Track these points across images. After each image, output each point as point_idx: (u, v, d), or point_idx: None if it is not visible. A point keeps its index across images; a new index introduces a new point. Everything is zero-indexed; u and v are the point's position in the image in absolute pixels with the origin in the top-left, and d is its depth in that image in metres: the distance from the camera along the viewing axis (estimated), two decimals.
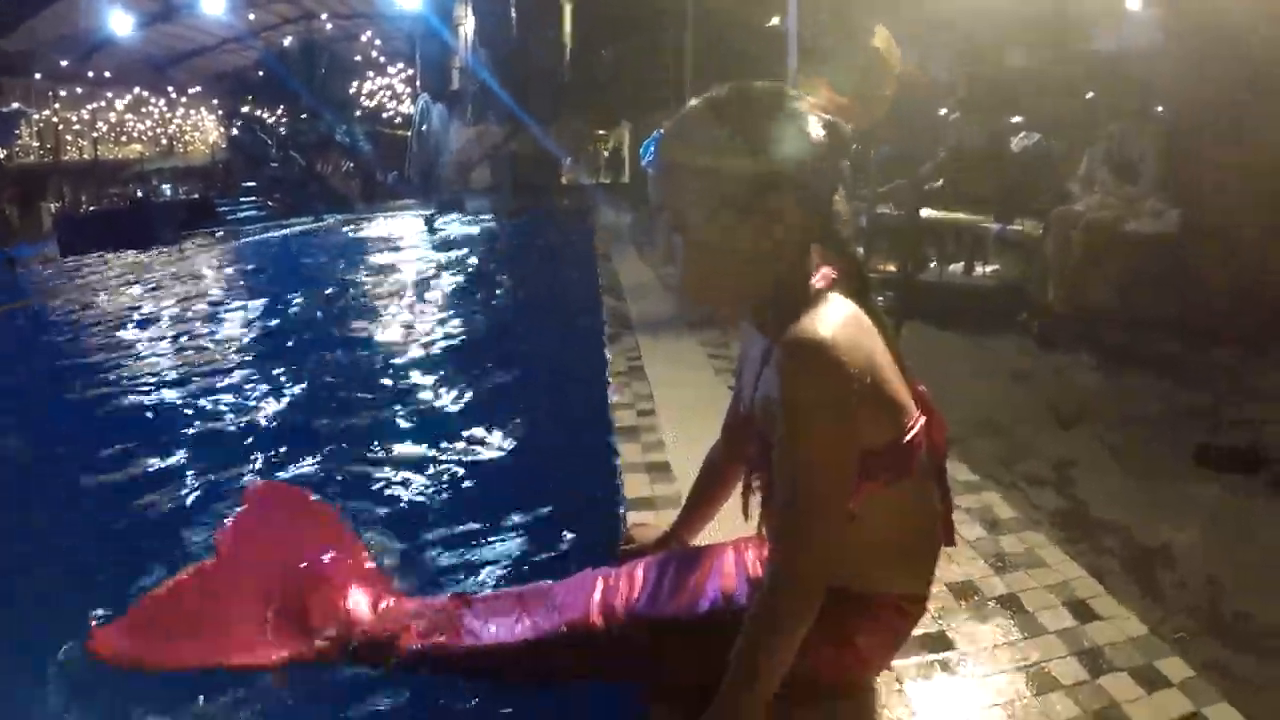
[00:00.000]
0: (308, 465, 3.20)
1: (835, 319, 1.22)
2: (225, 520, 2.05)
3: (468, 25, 21.73)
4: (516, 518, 2.67)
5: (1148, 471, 2.72)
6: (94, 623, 1.82)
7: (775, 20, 9.01)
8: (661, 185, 1.31)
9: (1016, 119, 5.88)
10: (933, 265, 5.88)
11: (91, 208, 25.47)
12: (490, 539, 2.57)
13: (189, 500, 2.92)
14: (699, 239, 1.28)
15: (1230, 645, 1.75)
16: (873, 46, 4.94)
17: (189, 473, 3.17)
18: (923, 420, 1.34)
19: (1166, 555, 2.14)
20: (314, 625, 1.71)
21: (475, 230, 12.88)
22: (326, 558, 1.90)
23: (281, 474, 3.12)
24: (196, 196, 23.79)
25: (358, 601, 1.76)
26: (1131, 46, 6.42)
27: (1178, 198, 4.42)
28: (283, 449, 3.38)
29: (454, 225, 13.61)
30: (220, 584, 1.83)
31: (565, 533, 2.53)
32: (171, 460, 3.32)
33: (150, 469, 3.24)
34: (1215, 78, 4.29)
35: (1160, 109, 4.88)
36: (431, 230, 12.75)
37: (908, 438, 1.30)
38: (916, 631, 1.54)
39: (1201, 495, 2.54)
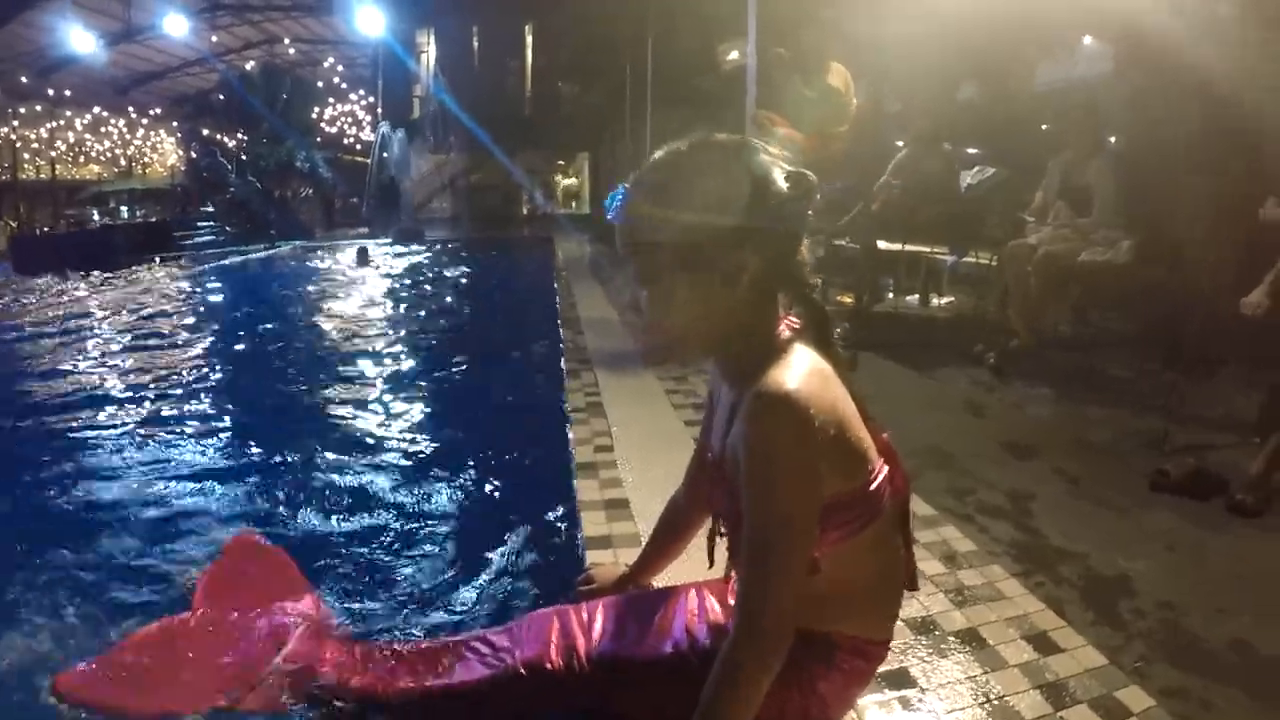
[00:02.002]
0: (260, 503, 3.12)
1: (800, 370, 1.22)
2: (197, 571, 2.07)
3: (430, 53, 21.78)
4: (475, 557, 2.63)
5: (1103, 500, 2.76)
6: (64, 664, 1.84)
7: (734, 55, 9.13)
8: (627, 237, 1.31)
9: (971, 151, 5.99)
10: (889, 296, 5.96)
11: (47, 228, 24.96)
12: (449, 581, 2.52)
13: (150, 540, 2.81)
14: (664, 290, 1.28)
15: (1187, 670, 1.77)
16: (830, 85, 5.04)
17: (144, 509, 3.06)
18: (886, 469, 1.35)
19: (1123, 583, 2.17)
20: (269, 672, 1.70)
21: (422, 261, 12.73)
22: (287, 607, 1.92)
23: (232, 514, 3.03)
24: (154, 219, 23.41)
25: (313, 648, 1.74)
26: (1082, 78, 6.58)
27: (1129, 227, 4.51)
28: (235, 486, 3.29)
29: (402, 257, 13.43)
30: (188, 636, 1.86)
31: (524, 573, 2.49)
32: (120, 494, 3.22)
33: (99, 502, 3.14)
34: (1164, 107, 4.39)
35: (1112, 139, 4.99)
36: (364, 263, 12.38)
37: (872, 486, 1.30)
38: (880, 669, 1.52)
39: (1156, 522, 2.59)
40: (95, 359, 6.10)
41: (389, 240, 15.33)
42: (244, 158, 25.32)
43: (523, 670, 1.48)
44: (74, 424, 4.27)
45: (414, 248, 14.84)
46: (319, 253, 14.84)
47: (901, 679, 1.71)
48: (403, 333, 6.96)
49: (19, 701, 1.82)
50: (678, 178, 1.25)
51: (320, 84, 35.03)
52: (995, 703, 1.63)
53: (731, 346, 1.33)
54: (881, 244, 5.70)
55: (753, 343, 1.29)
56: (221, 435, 4.10)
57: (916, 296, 5.83)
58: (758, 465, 1.20)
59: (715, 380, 1.50)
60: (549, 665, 1.47)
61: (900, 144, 6.14)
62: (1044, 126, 6.60)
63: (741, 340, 1.30)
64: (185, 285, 11.28)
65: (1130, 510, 2.67)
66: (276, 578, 2.09)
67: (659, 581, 1.79)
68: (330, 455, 3.69)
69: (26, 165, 32.65)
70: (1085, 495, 2.80)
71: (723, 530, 1.48)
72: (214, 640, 1.84)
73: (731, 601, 1.40)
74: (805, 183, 1.26)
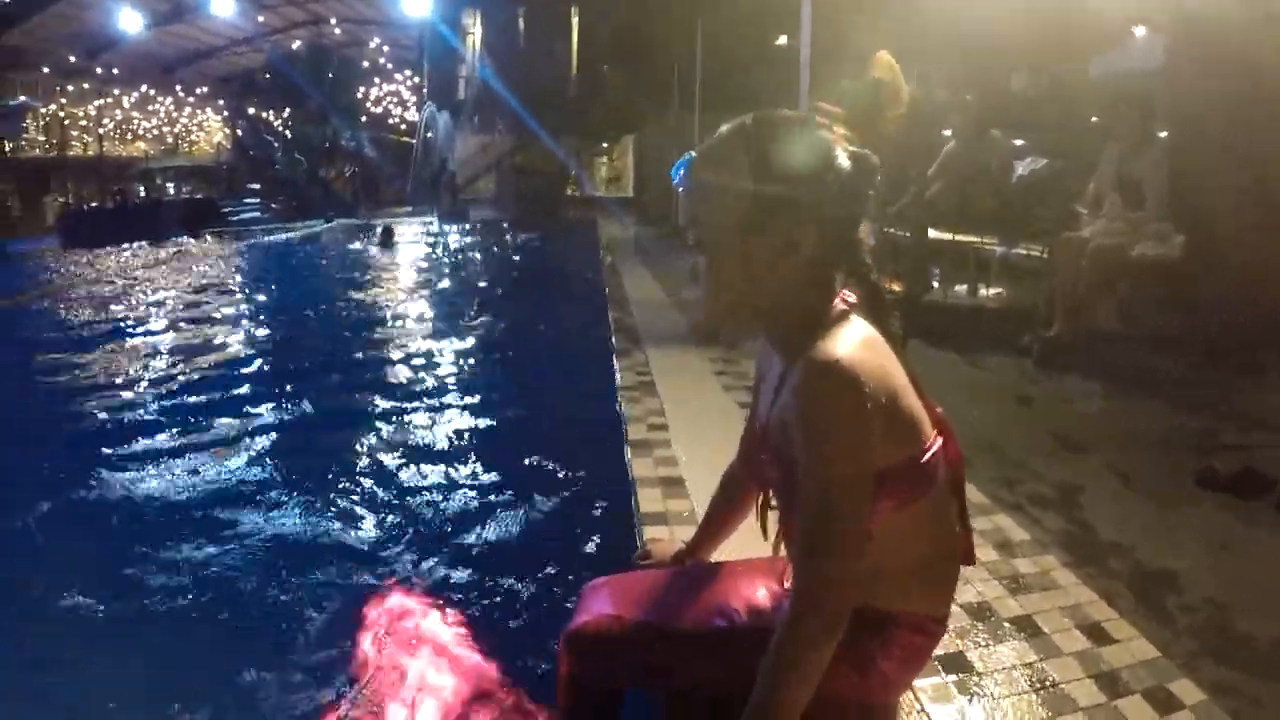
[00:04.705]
0: (320, 489, 3.19)
1: (852, 340, 1.24)
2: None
3: (476, 35, 21.81)
4: (533, 536, 2.69)
5: (1151, 494, 2.75)
6: None
7: (783, 39, 9.07)
8: (689, 204, 1.34)
9: (1020, 143, 5.92)
10: (936, 286, 5.92)
11: (94, 204, 25.43)
12: (507, 554, 2.59)
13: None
14: (722, 259, 1.31)
15: (1237, 667, 1.78)
16: (875, 79, 5.01)
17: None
18: (940, 440, 1.36)
19: (1171, 579, 2.17)
20: None
21: (467, 241, 12.70)
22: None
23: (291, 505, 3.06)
24: (201, 196, 23.78)
25: None
26: (1134, 69, 6.46)
27: (1180, 221, 4.45)
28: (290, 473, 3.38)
29: (447, 236, 13.38)
30: None
31: (581, 549, 2.55)
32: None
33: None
34: (1217, 100, 4.31)
35: (1163, 133, 4.91)
36: (387, 246, 12.29)
37: (926, 457, 1.31)
38: (936, 652, 1.55)
39: (1204, 518, 2.58)
40: (134, 331, 6.20)
41: (433, 219, 15.40)
42: (289, 136, 25.58)
43: (576, 637, 1.48)
44: (121, 409, 4.32)
45: (456, 227, 14.88)
46: (361, 232, 14.96)
47: (958, 663, 1.74)
48: (452, 313, 7.02)
49: None
50: (742, 147, 1.27)
51: (366, 64, 35.34)
52: (1050, 690, 1.66)
53: (785, 318, 1.34)
54: (931, 233, 5.67)
55: (806, 316, 1.30)
56: (281, 416, 4.18)
57: (965, 287, 5.78)
58: (809, 432, 1.21)
59: (765, 352, 1.50)
60: (604, 634, 1.46)
61: (948, 133, 6.09)
62: (1094, 119, 6.49)
63: (795, 313, 1.31)
64: (230, 260, 11.45)
65: (1178, 506, 2.66)
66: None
67: (716, 556, 1.82)
68: (385, 443, 3.74)
69: (75, 142, 33.22)
70: (1134, 490, 2.80)
71: (773, 503, 1.49)
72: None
73: (788, 582, 1.42)
74: (867, 163, 1.28)
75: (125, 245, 12.91)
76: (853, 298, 1.34)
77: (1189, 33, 4.61)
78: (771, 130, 1.28)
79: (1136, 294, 4.59)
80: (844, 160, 1.26)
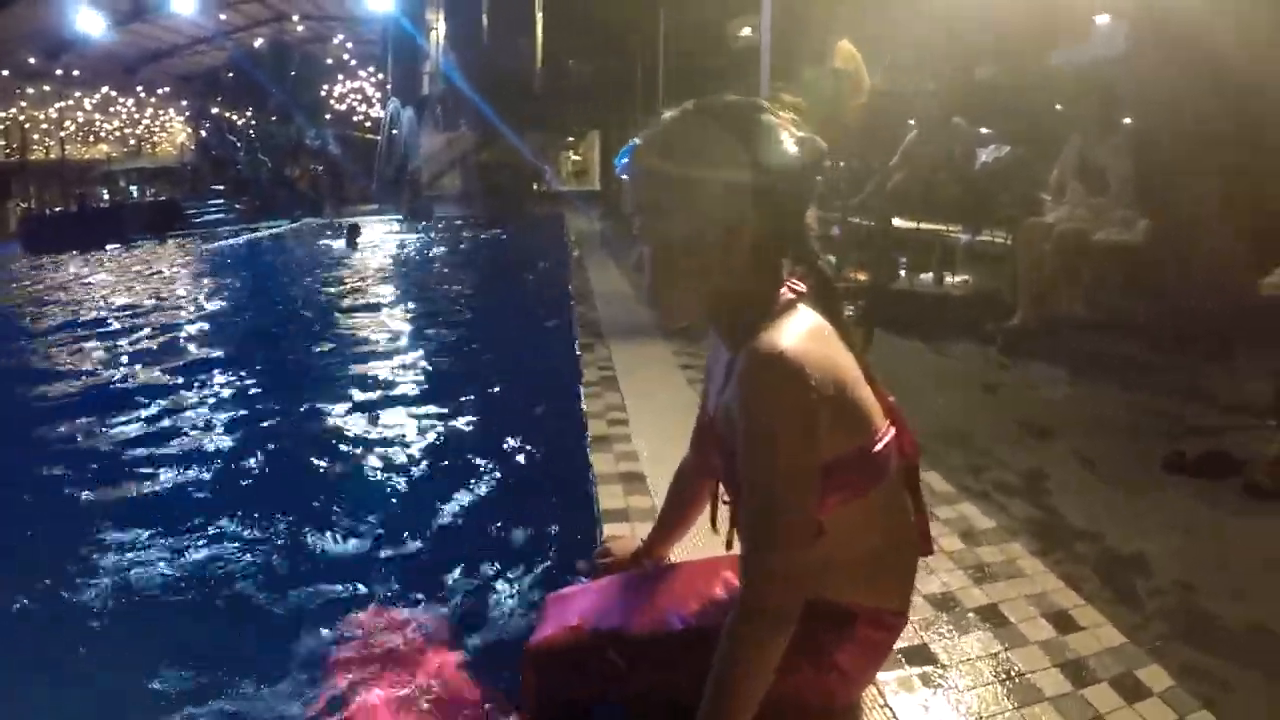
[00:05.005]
0: (273, 486, 3.15)
1: (797, 330, 1.21)
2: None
3: (439, 30, 21.66)
4: (493, 533, 2.64)
5: (1118, 480, 2.74)
6: None
7: (747, 31, 9.06)
8: (633, 192, 1.31)
9: (986, 131, 5.93)
10: (903, 274, 5.92)
11: (58, 208, 25.03)
12: (467, 555, 2.53)
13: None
14: (666, 246, 1.28)
15: (1206, 650, 1.76)
16: (836, 69, 5.00)
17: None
18: (892, 431, 1.33)
19: (1140, 563, 2.15)
20: None
21: (430, 238, 12.55)
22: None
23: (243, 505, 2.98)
24: (164, 198, 23.47)
25: None
26: (1098, 57, 6.49)
27: (1144, 207, 4.46)
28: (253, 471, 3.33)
29: (410, 234, 13.19)
30: None
31: (541, 548, 2.50)
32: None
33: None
34: (1180, 87, 4.33)
35: (1127, 120, 4.94)
36: (353, 244, 12.05)
37: (877, 447, 1.29)
38: (899, 644, 1.53)
39: (1172, 503, 2.57)
40: (99, 336, 6.10)
41: (399, 217, 15.27)
42: (253, 135, 25.32)
43: (536, 652, 1.48)
44: (80, 411, 4.24)
45: (423, 225, 14.76)
46: (327, 231, 14.80)
47: (922, 655, 1.70)
48: (412, 310, 6.96)
49: None
50: (684, 133, 1.25)
51: (329, 61, 35.02)
52: (1016, 680, 1.63)
53: (730, 306, 1.31)
54: (896, 221, 5.67)
55: (752, 304, 1.27)
56: (232, 418, 4.09)
57: (931, 275, 5.78)
58: (752, 424, 1.19)
59: (713, 342, 1.48)
60: (563, 646, 1.45)
61: (912, 122, 6.09)
62: (1058, 106, 6.51)
63: (741, 301, 1.29)
64: (192, 263, 11.29)
65: (1146, 491, 2.65)
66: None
67: (676, 550, 1.78)
68: (341, 435, 3.70)
69: (36, 146, 32.62)
70: (1101, 475, 2.78)
71: (725, 497, 1.46)
72: None
73: None
74: (813, 148, 1.25)
75: (89, 249, 12.72)
76: (802, 286, 1.31)
77: (1151, 19, 4.63)
78: (717, 114, 1.26)
79: (1101, 279, 4.61)
80: (790, 145, 1.24)
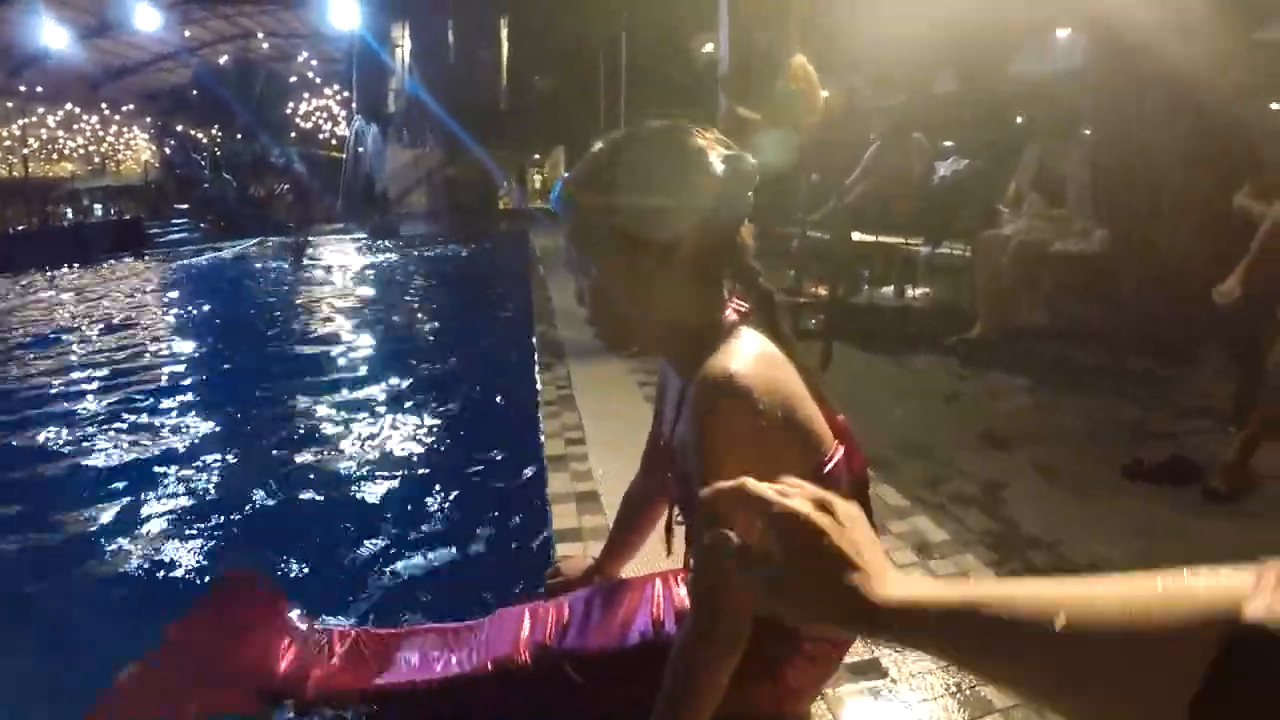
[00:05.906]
0: (222, 494, 3.11)
1: (745, 354, 1.20)
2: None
3: (405, 47, 21.63)
4: (445, 549, 2.60)
5: (1078, 488, 2.74)
6: None
7: (709, 47, 9.12)
8: (566, 225, 1.30)
9: (946, 143, 6.00)
10: (864, 288, 5.95)
11: (20, 227, 24.60)
12: (418, 571, 2.49)
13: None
14: (602, 278, 1.27)
15: None
16: (789, 89, 5.03)
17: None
18: (841, 450, 1.32)
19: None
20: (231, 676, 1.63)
21: (394, 257, 12.45)
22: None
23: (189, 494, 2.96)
24: (128, 217, 23.12)
25: (268, 644, 1.68)
26: (1057, 69, 6.59)
27: (1103, 217, 4.51)
28: (201, 472, 3.30)
29: (375, 252, 13.09)
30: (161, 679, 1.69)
31: (494, 565, 2.47)
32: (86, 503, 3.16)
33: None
34: (1136, 99, 4.39)
35: (1086, 131, 5.00)
36: (298, 265, 11.79)
37: (826, 468, 1.27)
38: (849, 659, 1.52)
39: (1131, 509, 2.57)
40: (62, 359, 6.00)
41: (364, 235, 15.17)
42: (218, 154, 25.10)
43: (490, 667, 1.48)
44: (39, 425, 4.19)
45: (384, 243, 14.67)
46: (291, 251, 14.66)
47: (872, 669, 1.68)
48: (373, 328, 6.90)
49: None
50: (611, 163, 1.25)
51: (294, 79, 34.87)
52: (966, 692, 1.61)
53: (674, 332, 1.31)
54: (856, 235, 5.70)
55: (696, 328, 1.27)
56: (188, 432, 4.04)
57: (892, 288, 5.82)
58: (705, 451, 1.18)
59: (664, 366, 1.48)
60: (519, 663, 1.46)
61: (873, 137, 6.14)
62: (1018, 119, 6.61)
63: (684, 326, 1.29)
64: (155, 283, 11.14)
65: (1105, 498, 2.66)
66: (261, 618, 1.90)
67: (627, 571, 1.76)
68: (299, 449, 3.67)
69: None
70: (1060, 484, 2.79)
71: (679, 519, 1.46)
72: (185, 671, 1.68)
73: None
74: (741, 164, 1.24)
75: (51, 268, 12.56)
76: (744, 307, 1.31)
77: (1107, 31, 4.69)
78: (639, 142, 1.27)
79: (1060, 288, 4.65)
80: (717, 164, 1.23)
